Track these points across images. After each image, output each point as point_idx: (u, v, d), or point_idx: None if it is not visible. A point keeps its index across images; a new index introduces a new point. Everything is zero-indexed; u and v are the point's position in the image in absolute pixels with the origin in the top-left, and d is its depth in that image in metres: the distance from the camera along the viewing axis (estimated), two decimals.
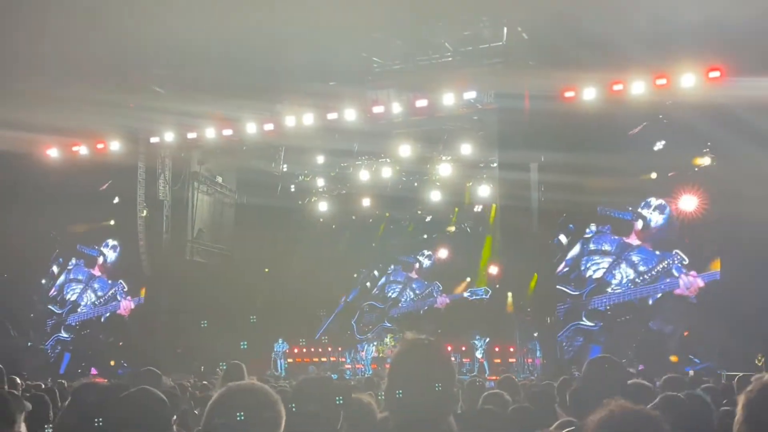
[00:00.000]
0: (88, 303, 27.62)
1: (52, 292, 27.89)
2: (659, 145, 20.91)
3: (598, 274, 22.12)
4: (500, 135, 21.84)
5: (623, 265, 21.83)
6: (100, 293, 27.44)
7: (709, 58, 18.14)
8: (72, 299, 27.81)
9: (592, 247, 22.31)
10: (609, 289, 21.88)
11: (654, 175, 21.32)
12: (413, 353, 3.01)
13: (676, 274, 21.11)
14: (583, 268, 22.26)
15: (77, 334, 27.23)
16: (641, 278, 21.57)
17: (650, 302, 21.33)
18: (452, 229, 28.65)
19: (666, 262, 21.27)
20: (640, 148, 20.72)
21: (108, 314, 27.07)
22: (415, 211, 28.54)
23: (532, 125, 20.13)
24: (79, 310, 27.67)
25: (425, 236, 28.97)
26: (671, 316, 20.88)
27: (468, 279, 27.13)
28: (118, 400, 4.06)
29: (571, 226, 22.25)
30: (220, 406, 2.76)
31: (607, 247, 22.21)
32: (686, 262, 20.89)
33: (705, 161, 20.48)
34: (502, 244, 24.52)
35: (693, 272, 20.69)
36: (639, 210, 21.59)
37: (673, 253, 21.14)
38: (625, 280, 21.78)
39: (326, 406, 3.82)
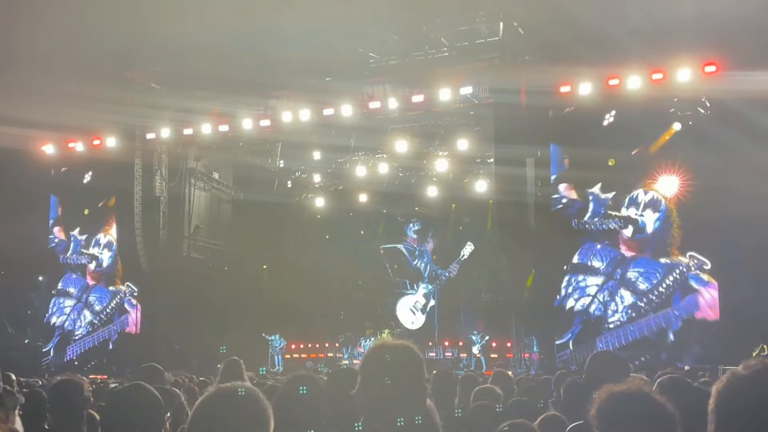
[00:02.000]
0: (84, 324, 24.78)
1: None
2: (609, 118, 18.49)
3: (582, 304, 18.11)
4: (496, 130, 21.82)
5: (620, 290, 17.62)
6: (98, 306, 24.80)
7: (705, 52, 18.13)
8: (62, 324, 24.84)
9: (575, 260, 18.56)
10: (605, 326, 17.73)
11: (611, 162, 18.36)
12: (381, 354, 3.01)
13: (695, 286, 16.68)
14: (563, 293, 18.61)
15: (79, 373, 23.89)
16: (645, 300, 17.14)
17: (671, 337, 16.89)
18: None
19: (677, 271, 16.93)
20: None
21: (116, 337, 24.25)
22: (412, 207, 28.47)
23: (528, 120, 20.12)
24: (76, 337, 24.75)
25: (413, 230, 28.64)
26: (703, 352, 16.22)
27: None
28: (111, 396, 4.08)
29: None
30: (203, 413, 2.62)
31: (596, 263, 18.17)
32: (708, 266, 16.68)
33: (676, 127, 17.92)
34: (499, 240, 24.50)
35: (714, 283, 16.55)
36: (623, 211, 18.20)
37: (688, 255, 16.96)
38: (621, 308, 17.50)
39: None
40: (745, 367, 2.37)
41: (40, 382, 10.41)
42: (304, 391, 4.23)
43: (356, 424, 2.99)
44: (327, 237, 28.93)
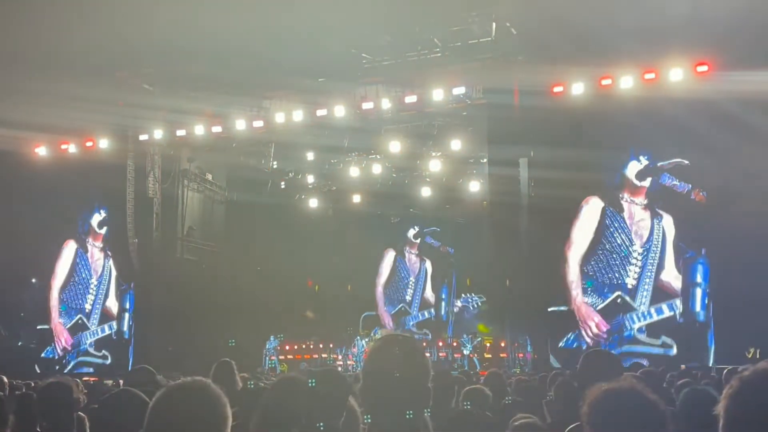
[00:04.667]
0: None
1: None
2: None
3: None
4: (489, 131, 21.82)
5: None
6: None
7: (697, 52, 18.18)
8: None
9: None
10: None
11: None
12: (386, 349, 2.99)
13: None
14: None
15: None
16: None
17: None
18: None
19: None
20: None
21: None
22: (407, 208, 28.45)
23: (521, 121, 20.13)
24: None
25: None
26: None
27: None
28: (100, 402, 4.06)
29: None
30: (156, 412, 2.56)
31: None
32: None
33: None
34: (492, 240, 24.47)
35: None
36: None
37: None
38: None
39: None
40: (755, 370, 2.31)
41: (32, 384, 10.37)
42: (313, 384, 4.17)
43: (365, 417, 2.96)
44: (320, 238, 28.86)
